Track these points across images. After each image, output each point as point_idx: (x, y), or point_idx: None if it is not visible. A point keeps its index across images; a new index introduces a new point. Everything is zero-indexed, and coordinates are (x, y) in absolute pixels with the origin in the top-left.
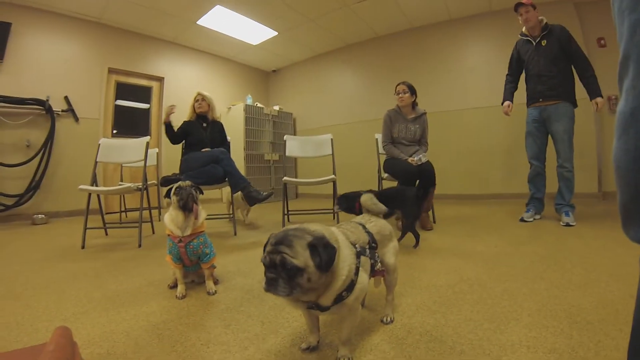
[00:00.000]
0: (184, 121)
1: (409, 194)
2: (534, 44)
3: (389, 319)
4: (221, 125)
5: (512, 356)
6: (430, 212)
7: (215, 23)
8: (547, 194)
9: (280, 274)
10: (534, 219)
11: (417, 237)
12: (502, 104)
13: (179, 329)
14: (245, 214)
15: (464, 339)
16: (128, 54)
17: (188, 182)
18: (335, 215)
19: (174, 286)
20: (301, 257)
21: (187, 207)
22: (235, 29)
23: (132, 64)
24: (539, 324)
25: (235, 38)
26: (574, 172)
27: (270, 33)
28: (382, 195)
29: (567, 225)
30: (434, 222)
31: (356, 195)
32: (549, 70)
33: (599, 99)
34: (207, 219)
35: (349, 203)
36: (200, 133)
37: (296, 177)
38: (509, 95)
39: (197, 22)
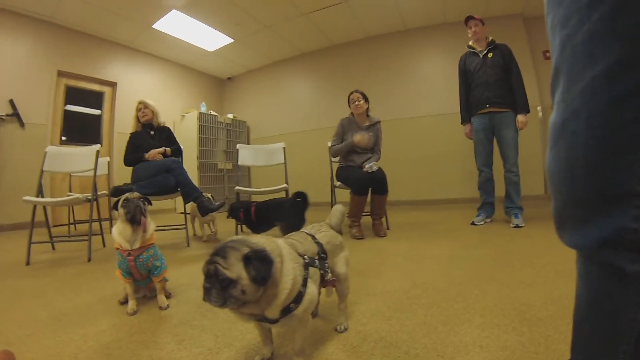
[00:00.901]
0: (130, 134)
1: (286, 205)
2: (481, 56)
3: (342, 327)
4: (168, 129)
5: (465, 357)
6: (383, 219)
7: (171, 28)
8: (496, 198)
9: (214, 285)
10: (485, 222)
11: None
12: (462, 123)
13: (129, 347)
14: (204, 228)
15: (418, 343)
16: (80, 56)
17: (136, 194)
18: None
19: (125, 302)
20: (234, 268)
21: (134, 220)
22: (191, 35)
23: (83, 68)
24: (491, 323)
25: (191, 44)
26: (520, 176)
27: (227, 40)
28: (263, 207)
29: (517, 226)
30: (388, 228)
31: (239, 206)
32: (496, 78)
33: (521, 116)
34: (159, 230)
35: (233, 213)
36: (149, 142)
37: (250, 186)
38: (467, 115)
39: (153, 26)
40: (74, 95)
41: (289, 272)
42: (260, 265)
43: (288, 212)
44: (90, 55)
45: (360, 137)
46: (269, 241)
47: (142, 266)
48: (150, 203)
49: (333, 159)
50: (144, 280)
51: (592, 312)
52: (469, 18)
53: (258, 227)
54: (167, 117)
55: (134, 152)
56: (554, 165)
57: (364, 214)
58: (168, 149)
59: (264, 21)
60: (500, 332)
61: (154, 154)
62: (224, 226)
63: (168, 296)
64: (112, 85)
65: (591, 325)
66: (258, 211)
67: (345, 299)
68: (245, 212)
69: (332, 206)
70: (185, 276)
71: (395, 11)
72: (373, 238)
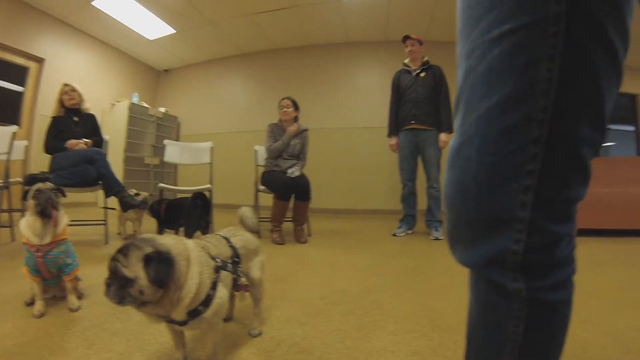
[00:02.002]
0: (52, 117)
1: (187, 204)
2: (414, 74)
3: (256, 332)
4: (94, 118)
5: None
6: (305, 226)
7: (112, 8)
8: (418, 211)
9: (113, 282)
10: (406, 233)
11: None
12: (388, 135)
13: (35, 352)
14: (127, 225)
15: (331, 349)
16: (5, 24)
17: (49, 185)
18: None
19: (32, 303)
20: (134, 267)
21: (45, 213)
22: (132, 19)
23: (8, 37)
24: (403, 329)
25: (130, 28)
26: (441, 192)
27: (169, 30)
28: (169, 206)
29: (436, 239)
30: (309, 235)
31: (159, 201)
32: (425, 97)
33: (443, 135)
34: (77, 224)
35: (153, 211)
36: (72, 129)
37: (176, 184)
38: (395, 128)
39: (92, 3)
40: None
41: (194, 276)
42: (160, 266)
43: (188, 213)
44: (18, 24)
45: (292, 127)
46: (178, 243)
47: (51, 263)
48: (64, 195)
49: (258, 163)
50: (54, 279)
51: (481, 323)
52: (406, 37)
53: (167, 224)
54: (96, 103)
55: (56, 139)
56: (449, 186)
57: (285, 219)
58: (89, 140)
59: (208, 16)
60: (412, 338)
61: (75, 143)
62: (150, 225)
63: (80, 297)
64: (40, 61)
65: (480, 335)
66: (167, 209)
67: (260, 303)
68: (158, 209)
69: (255, 209)
70: (100, 275)
71: (340, 23)
72: (294, 244)
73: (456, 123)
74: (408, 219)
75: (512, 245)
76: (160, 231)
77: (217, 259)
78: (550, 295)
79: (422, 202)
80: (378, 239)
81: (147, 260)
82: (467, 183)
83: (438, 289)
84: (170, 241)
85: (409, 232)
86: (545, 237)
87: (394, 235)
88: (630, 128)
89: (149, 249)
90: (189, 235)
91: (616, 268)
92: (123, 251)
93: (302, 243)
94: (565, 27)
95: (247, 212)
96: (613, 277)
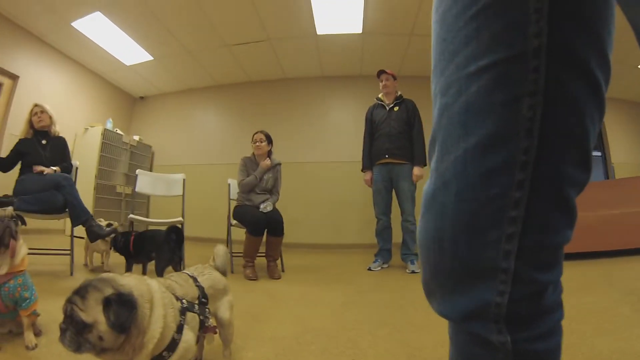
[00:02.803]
0: (20, 139)
1: (160, 237)
2: (387, 109)
3: None
4: (64, 142)
5: None
6: (279, 261)
7: (92, 30)
8: (393, 244)
9: (69, 326)
10: (382, 267)
11: None
12: (362, 170)
13: None
14: (94, 256)
15: None
16: None
17: (9, 211)
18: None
19: None
20: (92, 311)
21: (2, 242)
22: (110, 43)
23: None
24: None
25: (108, 53)
26: (417, 225)
27: (146, 57)
28: (140, 238)
29: (413, 272)
30: (283, 270)
31: (126, 233)
32: (399, 131)
33: (416, 169)
34: (40, 253)
35: (117, 244)
36: (38, 152)
37: (148, 215)
38: (369, 163)
39: (72, 24)
40: None
41: (158, 320)
42: (121, 310)
43: (161, 246)
44: None
45: (265, 161)
46: (141, 283)
47: (7, 297)
48: (24, 223)
49: (231, 197)
50: (10, 313)
51: None
52: (381, 72)
53: (135, 257)
54: (69, 126)
55: (13, 160)
56: (423, 234)
57: (259, 254)
58: (58, 168)
59: (186, 45)
60: None
61: (41, 169)
62: (119, 257)
63: (38, 334)
64: (14, 78)
65: None
66: (136, 241)
67: (230, 344)
68: (125, 242)
69: (227, 243)
70: (61, 310)
71: (315, 57)
72: (267, 280)
73: (431, 166)
74: (383, 253)
75: (495, 297)
76: (129, 266)
77: (183, 300)
78: (539, 344)
79: (397, 236)
80: (353, 274)
81: (107, 303)
82: (443, 232)
83: (416, 323)
84: (132, 282)
85: (385, 266)
86: (530, 286)
87: (369, 269)
88: (598, 154)
89: (109, 291)
90: (159, 269)
91: (593, 290)
92: (80, 292)
93: (276, 279)
94: (546, 61)
95: (220, 250)
96: (592, 300)
